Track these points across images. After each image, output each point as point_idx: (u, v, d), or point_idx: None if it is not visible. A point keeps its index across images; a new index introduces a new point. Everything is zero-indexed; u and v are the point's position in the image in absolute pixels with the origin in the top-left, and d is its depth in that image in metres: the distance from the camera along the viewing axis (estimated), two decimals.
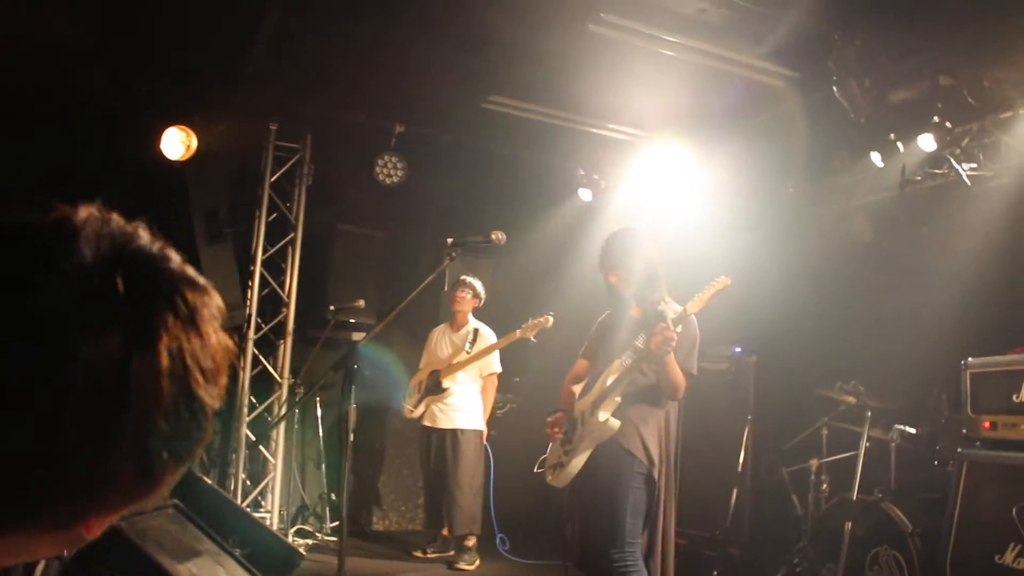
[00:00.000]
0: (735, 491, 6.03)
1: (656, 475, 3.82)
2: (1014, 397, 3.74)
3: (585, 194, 7.13)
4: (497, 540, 6.79)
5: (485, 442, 6.60)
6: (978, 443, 3.91)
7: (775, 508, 5.85)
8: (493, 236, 4.37)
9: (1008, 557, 3.58)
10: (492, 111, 6.66)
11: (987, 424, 3.86)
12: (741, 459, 6.08)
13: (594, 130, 6.68)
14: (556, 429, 4.06)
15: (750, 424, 6.13)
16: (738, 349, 6.40)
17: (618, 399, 3.79)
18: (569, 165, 7.21)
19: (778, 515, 5.79)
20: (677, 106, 6.11)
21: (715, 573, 5.71)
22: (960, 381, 4.03)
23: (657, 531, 3.86)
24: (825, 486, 5.30)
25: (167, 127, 6.28)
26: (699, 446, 6.29)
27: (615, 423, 3.76)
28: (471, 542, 6.35)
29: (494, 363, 6.57)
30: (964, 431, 3.97)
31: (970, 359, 4.00)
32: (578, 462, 3.89)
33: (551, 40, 5.52)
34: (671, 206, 6.38)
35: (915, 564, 4.43)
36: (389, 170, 7.34)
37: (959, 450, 3.97)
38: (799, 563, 5.02)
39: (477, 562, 6.30)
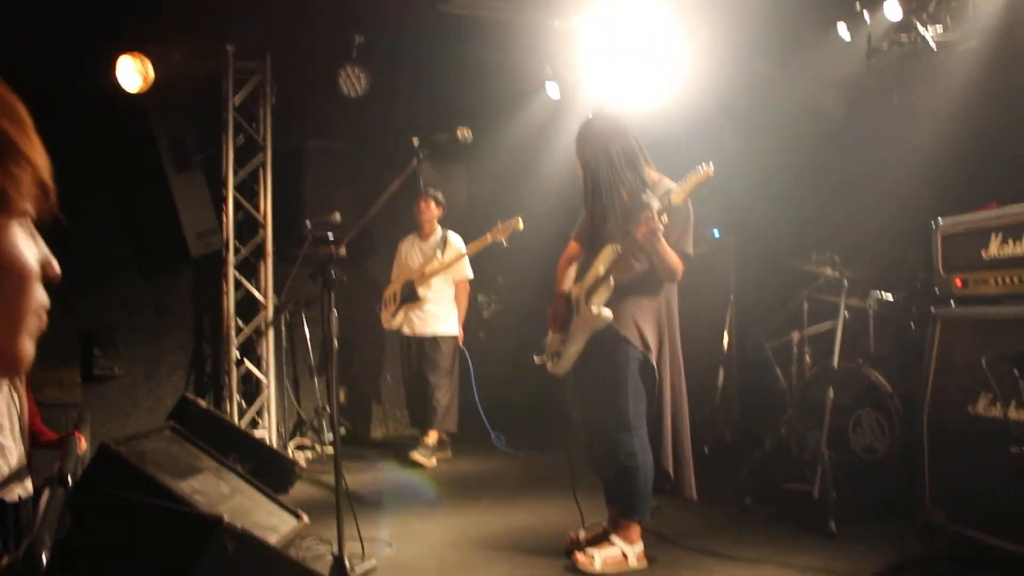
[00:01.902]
0: (721, 371, 6.18)
1: (654, 360, 3.88)
2: (983, 254, 3.80)
3: (553, 89, 7.06)
4: (493, 437, 6.97)
5: (462, 346, 6.77)
6: (950, 301, 3.99)
7: (761, 383, 5.99)
8: (459, 133, 4.33)
9: (980, 406, 3.70)
10: (450, 13, 6.55)
11: (959, 282, 3.93)
12: (726, 340, 6.20)
13: (559, 23, 6.57)
14: (554, 317, 4.11)
15: (732, 304, 6.23)
16: (716, 233, 6.45)
17: (612, 286, 3.83)
18: (534, 61, 7.11)
19: (764, 390, 5.93)
20: None
21: (705, 449, 5.88)
22: (931, 242, 4.09)
23: (664, 416, 3.93)
24: (808, 357, 5.42)
25: (120, 56, 6.17)
26: (684, 330, 6.39)
27: (608, 314, 3.81)
28: (434, 439, 6.51)
29: (466, 269, 6.69)
30: (937, 290, 4.05)
31: (940, 220, 4.05)
32: (575, 350, 3.97)
33: None
34: (639, 94, 6.31)
35: (895, 423, 4.59)
36: (352, 82, 7.25)
37: (932, 310, 4.05)
38: (786, 433, 5.16)
39: (434, 461, 6.45)
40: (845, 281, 4.71)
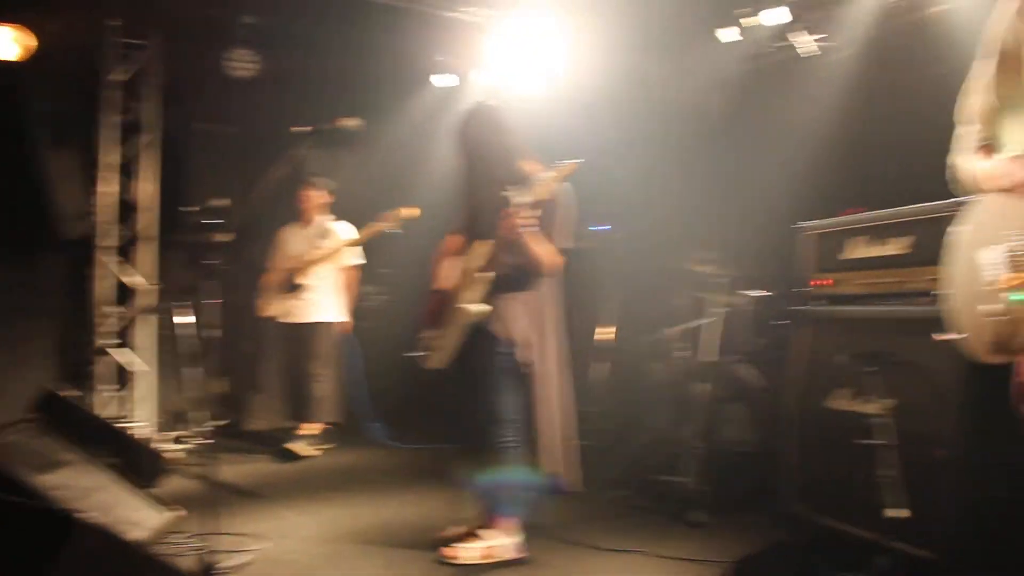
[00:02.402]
0: (604, 364, 6.28)
1: (527, 356, 3.87)
2: (847, 255, 3.97)
3: (443, 80, 7.04)
4: (375, 428, 6.93)
5: (351, 333, 6.71)
6: (815, 300, 4.15)
7: (639, 379, 6.11)
8: (344, 123, 4.26)
9: (838, 401, 3.87)
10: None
11: (824, 281, 4.10)
12: (607, 334, 6.31)
13: (448, 13, 6.55)
14: (430, 312, 4.09)
15: (616, 299, 6.34)
16: (604, 227, 6.55)
17: (485, 282, 3.82)
18: (426, 51, 7.07)
19: (643, 384, 6.06)
20: None
21: (586, 442, 5.95)
22: (799, 243, 4.25)
23: (540, 410, 3.93)
24: (684, 352, 5.56)
25: None
26: (569, 324, 6.49)
27: (479, 309, 3.80)
28: (314, 429, 6.46)
29: (353, 255, 6.63)
30: (805, 289, 4.21)
31: (804, 223, 4.22)
32: (448, 346, 3.95)
33: None
34: (530, 87, 6.36)
35: (760, 416, 4.76)
36: (241, 63, 7.07)
37: (797, 308, 4.21)
38: (662, 426, 5.29)
39: (314, 452, 6.40)
40: (721, 278, 4.84)
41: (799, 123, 5.52)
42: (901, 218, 3.72)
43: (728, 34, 5.73)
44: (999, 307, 2.03)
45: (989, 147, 2.16)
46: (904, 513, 3.33)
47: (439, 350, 3.97)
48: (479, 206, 3.90)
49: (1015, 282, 1.98)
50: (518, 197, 3.57)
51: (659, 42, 6.20)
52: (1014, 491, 2.32)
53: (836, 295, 4.06)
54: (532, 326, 3.90)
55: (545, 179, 3.60)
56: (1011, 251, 1.99)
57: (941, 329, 2.28)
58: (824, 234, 4.14)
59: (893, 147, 4.88)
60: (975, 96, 2.23)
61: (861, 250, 3.92)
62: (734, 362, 4.94)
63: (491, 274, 3.80)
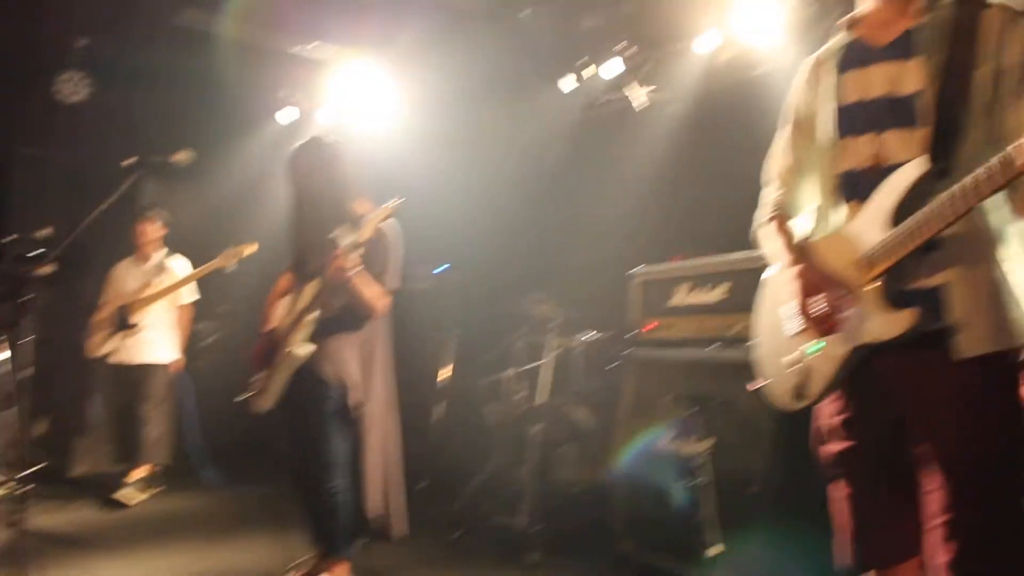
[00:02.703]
0: (439, 406, 6.29)
1: (356, 399, 3.82)
2: (672, 300, 4.15)
3: (286, 116, 6.96)
4: (207, 471, 6.67)
5: (184, 371, 6.46)
6: (644, 344, 4.31)
7: (476, 420, 6.14)
8: (177, 157, 4.13)
9: (664, 442, 4.01)
10: (186, 27, 6.29)
11: (652, 326, 4.26)
12: (443, 375, 6.32)
13: (292, 49, 6.49)
14: (259, 353, 3.98)
15: (453, 340, 6.37)
16: (442, 268, 6.60)
17: (312, 323, 3.76)
18: (270, 85, 6.97)
19: (479, 425, 6.09)
20: (376, 24, 6.07)
21: (420, 484, 5.94)
22: (630, 288, 4.41)
23: (368, 454, 3.87)
24: (520, 394, 5.62)
25: None
26: (402, 365, 6.47)
27: (304, 351, 3.72)
28: (143, 472, 6.19)
29: (189, 292, 6.41)
30: (633, 333, 4.36)
31: (637, 268, 4.38)
32: (276, 388, 3.85)
33: None
34: (373, 126, 6.38)
35: (595, 458, 4.87)
36: (71, 87, 6.76)
37: (627, 351, 4.36)
38: (497, 467, 5.32)
39: (142, 497, 6.13)
40: (557, 321, 4.95)
41: (632, 171, 5.75)
42: (720, 267, 3.92)
43: (567, 83, 5.92)
44: (796, 357, 2.16)
45: (781, 216, 2.33)
46: (719, 549, 3.47)
47: (266, 392, 3.87)
48: (307, 245, 3.84)
49: (808, 335, 2.13)
50: (345, 238, 3.54)
51: (501, 88, 6.35)
52: (814, 523, 2.46)
53: (662, 339, 4.22)
54: (361, 368, 3.86)
55: (369, 219, 3.59)
56: (798, 306, 2.13)
57: (752, 374, 2.40)
58: (652, 280, 4.31)
59: (717, 197, 5.14)
60: (775, 155, 2.40)
61: (684, 297, 4.10)
62: (568, 404, 5.04)
63: (318, 315, 3.74)
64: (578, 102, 6.02)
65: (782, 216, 2.32)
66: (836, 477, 2.17)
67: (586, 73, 5.84)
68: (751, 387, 2.42)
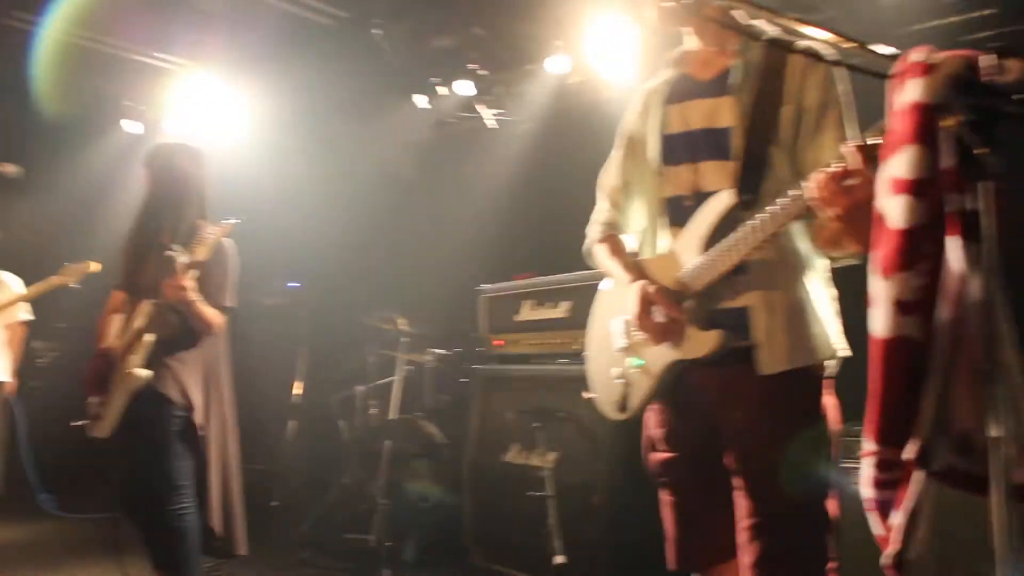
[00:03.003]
0: (291, 423, 6.21)
1: (199, 418, 3.74)
2: (517, 317, 4.27)
3: (131, 125, 6.72)
4: (42, 498, 6.34)
5: (15, 394, 6.10)
6: (491, 359, 4.41)
7: (328, 436, 6.10)
8: (2, 169, 3.95)
9: (511, 455, 4.12)
10: (19, 28, 5.98)
11: (498, 342, 4.37)
12: (296, 391, 6.25)
13: (141, 58, 6.28)
14: (93, 376, 3.83)
15: (305, 355, 6.31)
16: (294, 284, 6.53)
17: (150, 342, 3.66)
18: (114, 93, 6.71)
19: (331, 442, 6.05)
20: (227, 37, 5.96)
21: (273, 503, 5.85)
22: (477, 305, 4.50)
23: (210, 474, 3.79)
24: (373, 410, 5.63)
25: None
26: (255, 381, 6.38)
27: (145, 373, 3.62)
28: None
29: (22, 311, 6.06)
30: (479, 349, 4.46)
31: (484, 285, 4.48)
32: (114, 411, 3.71)
33: None
34: (222, 139, 6.25)
35: (445, 471, 4.93)
36: None
37: (475, 367, 4.45)
38: (349, 483, 5.30)
39: None
40: (408, 337, 4.99)
41: (482, 189, 5.87)
42: (562, 284, 4.07)
43: (420, 100, 5.97)
44: (620, 370, 2.29)
45: (613, 235, 2.45)
46: (561, 559, 3.59)
47: (104, 417, 3.72)
48: (141, 259, 3.74)
49: (631, 348, 2.26)
50: (181, 256, 3.48)
51: (353, 103, 6.34)
52: (648, 534, 2.59)
53: (508, 355, 4.33)
54: (202, 387, 3.78)
55: (206, 239, 3.53)
56: (627, 321, 2.26)
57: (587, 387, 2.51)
58: (497, 297, 4.42)
59: (563, 216, 5.31)
60: (607, 176, 2.52)
61: (529, 313, 4.23)
62: (419, 418, 5.08)
63: (158, 333, 3.64)
64: (430, 119, 6.09)
65: (613, 234, 2.45)
66: (662, 485, 2.30)
67: (438, 91, 5.90)
68: (585, 396, 2.54)
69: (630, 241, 2.45)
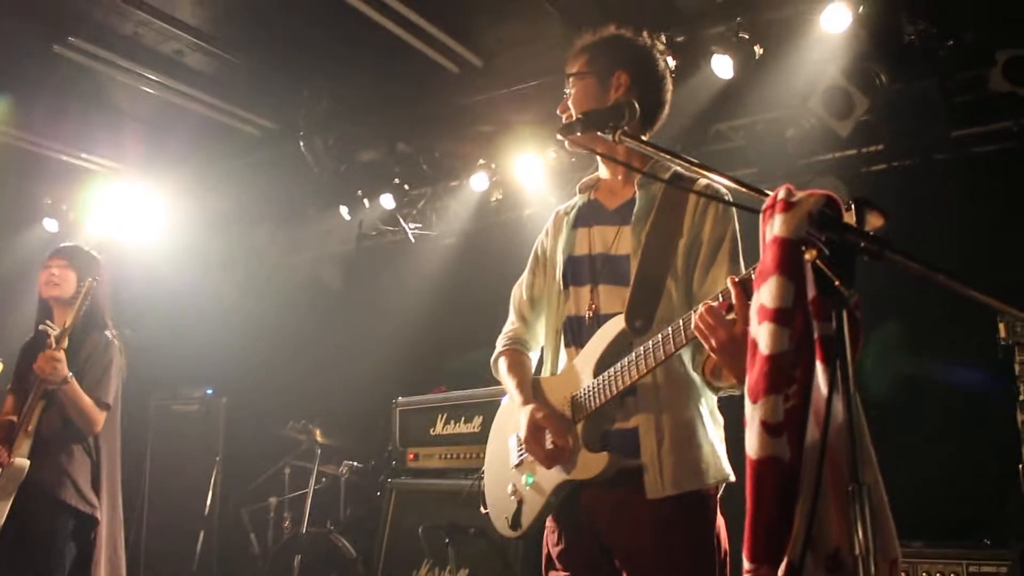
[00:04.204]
0: (202, 533, 6.00)
1: (96, 516, 3.62)
2: (431, 431, 4.26)
3: (51, 224, 6.65)
4: None
5: None
6: (404, 472, 4.37)
7: (240, 548, 5.91)
8: None
9: (423, 572, 4.04)
10: None
11: (411, 455, 4.34)
12: (208, 501, 6.07)
13: (63, 157, 6.27)
14: None
15: (219, 465, 6.16)
16: (209, 390, 6.42)
17: (30, 436, 3.55)
18: (34, 192, 6.66)
19: (242, 555, 5.85)
20: (151, 141, 6.02)
21: None
22: (391, 417, 4.49)
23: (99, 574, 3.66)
24: (287, 523, 5.49)
25: None
26: (167, 489, 6.21)
27: (24, 464, 3.51)
28: None
29: None
30: (393, 463, 4.42)
31: (400, 398, 4.48)
32: (1, 511, 3.57)
33: (15, 57, 5.13)
34: (141, 242, 6.23)
35: None
36: None
37: (388, 480, 4.40)
38: None
39: None
40: (319, 449, 4.92)
41: (402, 302, 5.91)
42: (475, 399, 4.09)
43: (343, 212, 6.05)
44: (512, 487, 2.30)
45: (516, 350, 2.49)
46: None
47: None
48: (31, 361, 3.70)
49: (525, 466, 2.28)
50: (52, 332, 3.46)
51: (278, 211, 6.40)
52: None
53: (423, 468, 4.30)
54: (91, 483, 3.66)
55: (73, 304, 3.53)
56: (520, 436, 2.29)
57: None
58: (411, 410, 4.42)
59: (480, 330, 5.36)
60: (517, 291, 2.59)
61: (441, 427, 4.23)
62: (331, 532, 4.96)
63: (42, 427, 3.56)
64: (354, 231, 6.16)
65: (516, 350, 2.49)
66: None
67: (363, 204, 5.99)
68: (481, 511, 2.52)
69: (533, 358, 2.50)
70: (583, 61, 2.33)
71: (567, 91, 2.34)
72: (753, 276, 1.73)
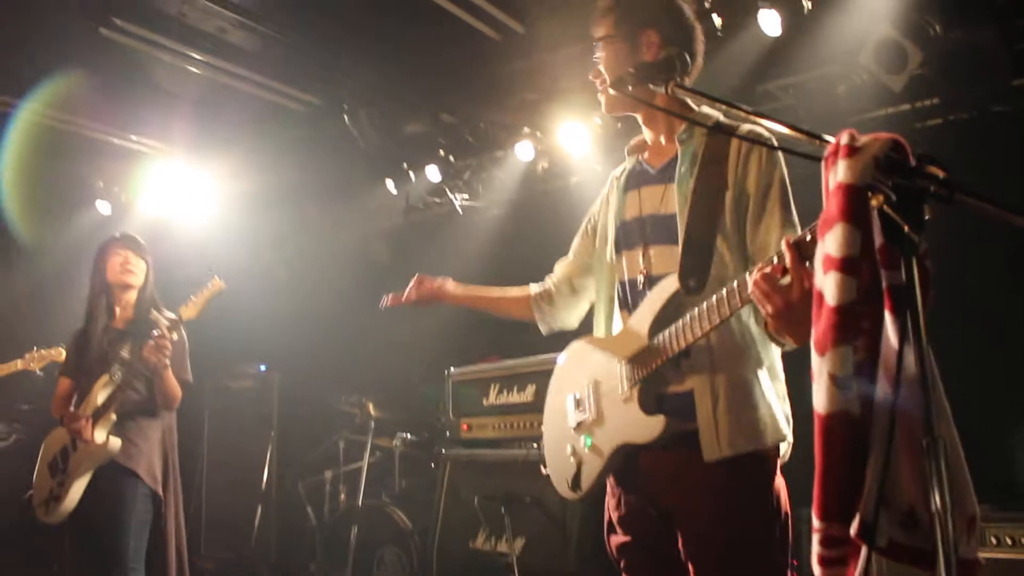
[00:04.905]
0: (259, 509, 6.09)
1: (162, 493, 3.74)
2: (484, 401, 4.26)
3: (104, 206, 6.75)
4: None
5: None
6: (458, 444, 4.37)
7: (297, 522, 5.99)
8: None
9: (479, 541, 4.05)
10: None
11: (465, 426, 4.34)
12: (265, 476, 6.15)
13: (114, 140, 6.35)
14: (51, 462, 3.80)
15: (274, 441, 6.24)
16: (263, 367, 6.49)
17: (113, 417, 3.65)
18: (86, 175, 6.76)
19: (299, 529, 5.93)
20: (199, 121, 6.06)
21: None
22: (444, 388, 4.49)
23: (169, 551, 3.77)
24: (343, 496, 5.55)
25: None
26: (224, 465, 6.31)
27: (116, 443, 3.62)
28: None
29: None
30: (448, 433, 4.42)
31: (452, 368, 4.47)
32: (77, 490, 3.67)
33: (62, 42, 5.20)
34: (191, 222, 6.30)
35: (413, 559, 4.83)
36: None
37: (443, 451, 4.40)
38: (316, 571, 5.19)
39: None
40: (372, 422, 4.95)
41: (451, 274, 5.88)
42: (528, 368, 4.07)
43: (391, 185, 6.05)
44: (572, 448, 2.29)
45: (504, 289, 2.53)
46: None
47: (64, 499, 3.66)
48: (87, 345, 3.80)
49: (583, 426, 2.26)
50: (164, 321, 3.55)
51: (325, 186, 6.42)
52: None
53: (475, 439, 4.30)
54: (161, 461, 3.77)
55: (194, 299, 3.65)
56: (577, 398, 2.27)
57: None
58: (464, 381, 4.41)
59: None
60: (566, 259, 2.58)
61: (495, 397, 4.21)
62: (387, 504, 5.00)
63: (121, 406, 3.65)
64: (401, 204, 6.16)
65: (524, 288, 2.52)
66: (622, 569, 2.27)
67: (409, 176, 5.98)
68: (543, 471, 2.52)
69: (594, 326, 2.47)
70: (609, 24, 2.28)
71: (596, 56, 2.30)
72: (808, 238, 1.69)
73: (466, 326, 5.54)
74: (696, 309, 1.97)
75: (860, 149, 1.39)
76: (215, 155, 6.30)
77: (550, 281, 2.60)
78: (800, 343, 1.94)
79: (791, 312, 1.73)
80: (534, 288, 2.62)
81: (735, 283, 1.88)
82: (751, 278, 1.80)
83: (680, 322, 2.02)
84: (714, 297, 1.94)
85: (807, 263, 1.70)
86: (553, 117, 5.39)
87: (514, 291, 2.61)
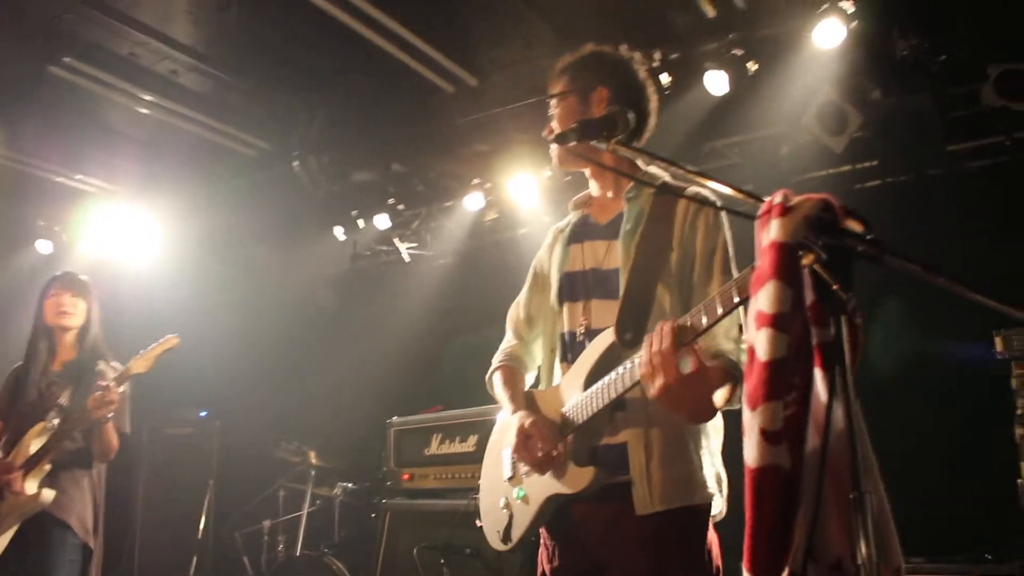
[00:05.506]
0: (195, 557, 5.93)
1: (92, 544, 3.63)
2: (426, 451, 4.22)
3: (44, 246, 6.62)
4: None
5: None
6: (399, 493, 4.32)
7: (233, 573, 5.84)
8: None
9: None
10: None
11: (406, 476, 4.30)
12: (202, 525, 6.00)
13: (57, 178, 6.26)
14: None
15: (212, 489, 6.10)
16: (203, 413, 6.37)
17: (47, 467, 3.54)
18: (27, 213, 6.64)
19: None
20: (146, 162, 6.01)
21: None
22: (385, 438, 4.45)
23: None
24: (281, 546, 5.42)
25: None
26: (160, 513, 6.16)
27: (48, 495, 3.50)
28: None
29: None
30: (388, 483, 4.37)
31: (394, 418, 4.44)
32: (2, 542, 3.54)
33: (9, 79, 5.13)
34: (135, 263, 6.20)
35: None
36: None
37: (383, 501, 4.35)
38: None
39: None
40: (312, 471, 4.87)
41: (397, 323, 5.89)
42: (470, 418, 4.06)
43: (340, 231, 6.04)
44: (505, 500, 2.28)
45: (511, 366, 2.46)
46: None
47: None
48: (22, 389, 3.70)
49: (516, 478, 2.25)
50: (111, 373, 3.48)
51: (271, 232, 6.39)
52: None
53: (416, 489, 4.27)
54: (93, 512, 3.66)
55: (147, 353, 3.57)
56: (513, 453, 2.26)
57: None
58: (408, 430, 4.38)
59: (474, 350, 5.34)
60: (514, 309, 2.57)
61: (436, 447, 4.19)
62: (326, 555, 4.90)
63: (55, 455, 3.54)
64: (349, 251, 6.15)
65: (511, 366, 2.46)
66: None
67: (357, 224, 5.98)
68: (477, 523, 2.50)
69: (529, 377, 2.48)
70: (564, 81, 2.33)
71: (551, 113, 2.34)
72: (689, 323, 1.81)
73: (410, 374, 5.53)
74: (629, 361, 1.98)
75: (792, 209, 1.43)
76: (161, 196, 6.23)
77: (514, 354, 2.51)
78: (694, 422, 2.04)
79: (668, 395, 1.82)
80: (514, 365, 2.53)
81: (631, 363, 1.94)
82: (641, 359, 1.86)
83: (613, 373, 2.02)
84: (608, 376, 2.01)
85: (694, 344, 1.82)
86: (503, 169, 5.45)
87: (520, 377, 2.50)
